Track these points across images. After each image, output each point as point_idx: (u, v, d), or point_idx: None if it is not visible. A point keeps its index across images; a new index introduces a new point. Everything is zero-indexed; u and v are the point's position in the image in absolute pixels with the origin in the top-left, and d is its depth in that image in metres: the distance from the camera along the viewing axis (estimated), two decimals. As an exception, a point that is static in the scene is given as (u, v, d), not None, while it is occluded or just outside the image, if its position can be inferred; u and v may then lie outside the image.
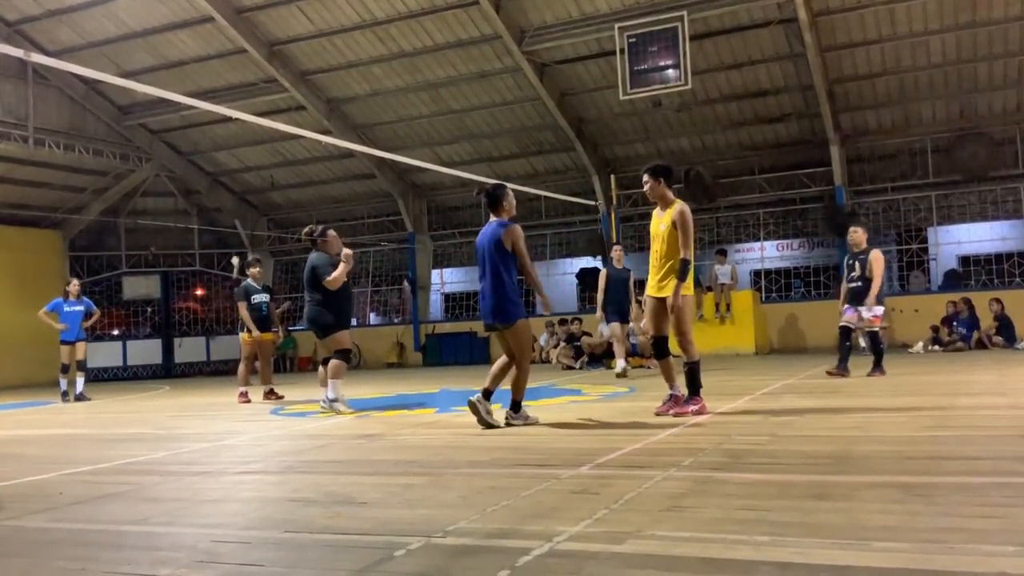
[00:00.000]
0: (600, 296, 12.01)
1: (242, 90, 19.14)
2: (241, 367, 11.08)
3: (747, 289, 18.42)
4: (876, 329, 9.68)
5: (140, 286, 22.92)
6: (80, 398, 12.92)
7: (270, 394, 10.75)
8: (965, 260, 19.51)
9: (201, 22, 17.51)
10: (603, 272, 12.20)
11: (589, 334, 15.91)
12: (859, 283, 9.59)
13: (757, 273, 20.89)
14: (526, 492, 3.67)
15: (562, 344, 16.24)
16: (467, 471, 4.37)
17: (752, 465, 4.18)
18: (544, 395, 9.08)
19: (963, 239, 18.92)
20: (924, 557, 2.45)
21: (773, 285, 20.47)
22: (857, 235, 9.92)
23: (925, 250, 19.44)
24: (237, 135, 20.96)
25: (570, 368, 14.64)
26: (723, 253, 17.91)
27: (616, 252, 12.31)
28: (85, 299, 13.44)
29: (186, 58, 18.69)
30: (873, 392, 7.78)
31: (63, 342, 13.08)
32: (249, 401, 10.41)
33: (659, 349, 6.79)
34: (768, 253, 20.76)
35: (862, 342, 15.35)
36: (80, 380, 13.22)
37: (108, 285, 23.17)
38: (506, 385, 6.44)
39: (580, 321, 16.20)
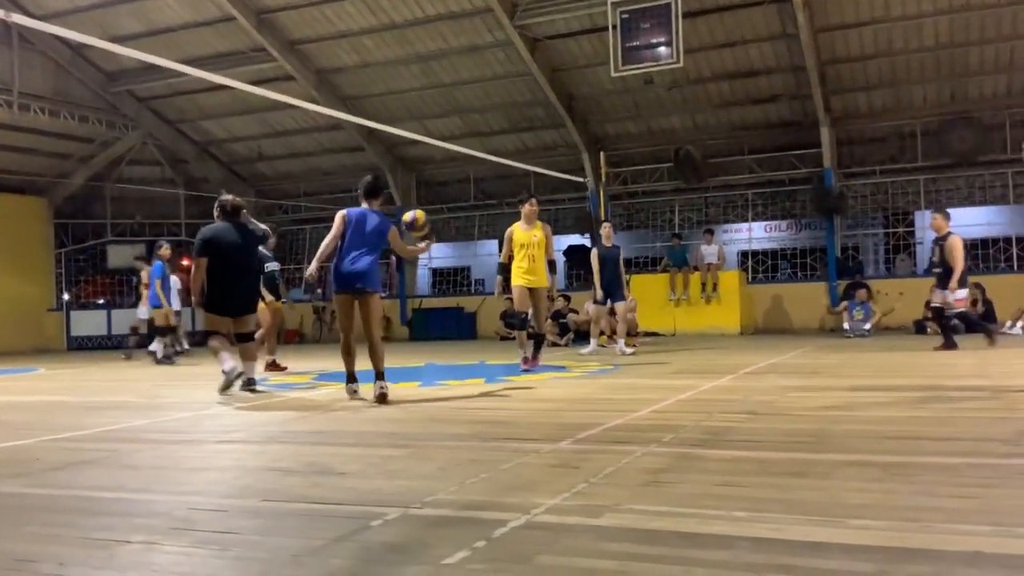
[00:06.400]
0: (597, 278, 11.74)
1: (230, 58, 18.88)
2: (266, 336, 10.31)
3: (734, 269, 18.45)
4: (961, 311, 10.31)
5: (125, 254, 22.73)
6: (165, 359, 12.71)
7: (272, 365, 10.53)
8: (951, 244, 19.54)
9: (189, -12, 17.29)
10: (594, 252, 11.96)
11: (576, 311, 15.91)
12: (939, 268, 10.16)
13: (744, 254, 20.92)
14: (506, 465, 3.67)
15: (548, 320, 16.22)
16: (448, 444, 4.37)
17: (732, 442, 4.20)
18: (529, 371, 9.08)
19: (950, 223, 18.91)
20: (900, 535, 2.46)
21: (760, 266, 20.51)
22: (936, 221, 10.48)
23: (912, 234, 19.51)
24: (225, 104, 20.74)
25: (555, 345, 14.64)
26: (710, 233, 17.92)
27: (605, 229, 12.08)
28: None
29: (174, 24, 18.44)
30: (856, 372, 7.82)
31: (157, 308, 12.72)
32: (282, 368, 10.17)
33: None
34: (756, 234, 20.76)
35: (845, 325, 15.50)
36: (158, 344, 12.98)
37: (93, 253, 23.01)
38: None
39: (568, 298, 16.19)
